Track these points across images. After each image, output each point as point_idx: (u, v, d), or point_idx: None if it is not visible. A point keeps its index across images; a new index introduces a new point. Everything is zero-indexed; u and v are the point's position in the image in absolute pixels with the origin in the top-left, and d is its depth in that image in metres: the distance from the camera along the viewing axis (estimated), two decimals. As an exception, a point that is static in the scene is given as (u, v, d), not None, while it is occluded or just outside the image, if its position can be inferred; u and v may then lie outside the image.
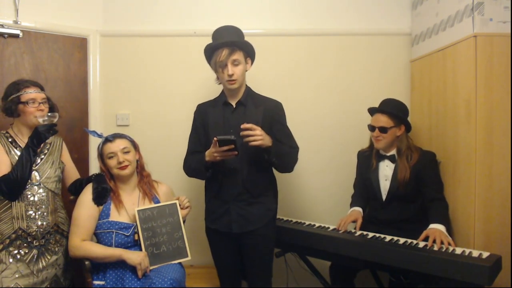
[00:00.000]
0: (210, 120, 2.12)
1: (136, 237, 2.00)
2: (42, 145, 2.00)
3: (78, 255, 1.94)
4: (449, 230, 2.19)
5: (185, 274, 2.03)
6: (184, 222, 2.14)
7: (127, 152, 2.06)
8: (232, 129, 2.05)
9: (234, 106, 2.11)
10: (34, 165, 1.96)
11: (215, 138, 1.90)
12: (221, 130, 2.06)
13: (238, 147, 1.91)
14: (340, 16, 2.81)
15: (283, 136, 2.11)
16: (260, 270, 2.12)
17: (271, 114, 2.10)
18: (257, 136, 1.92)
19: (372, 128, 2.30)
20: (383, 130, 2.25)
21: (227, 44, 2.03)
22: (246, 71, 2.12)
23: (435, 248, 1.94)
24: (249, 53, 2.12)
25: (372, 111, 2.36)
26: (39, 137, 1.90)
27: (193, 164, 2.11)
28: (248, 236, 2.07)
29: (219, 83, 2.18)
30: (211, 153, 1.96)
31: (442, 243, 1.98)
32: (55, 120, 1.95)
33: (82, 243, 1.94)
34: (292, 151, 2.12)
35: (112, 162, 2.03)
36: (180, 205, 2.11)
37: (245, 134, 1.92)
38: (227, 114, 2.11)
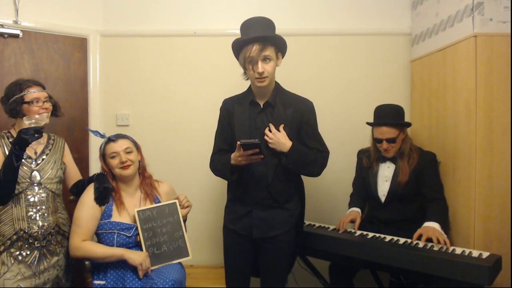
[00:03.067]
0: (236, 120, 2.01)
1: (138, 239, 1.99)
2: (38, 147, 1.99)
3: (79, 255, 1.94)
4: (447, 229, 2.19)
5: (185, 275, 2.03)
6: (185, 221, 2.14)
7: (130, 152, 2.06)
8: (258, 131, 1.97)
9: (262, 107, 2.00)
10: (35, 165, 1.97)
11: (238, 142, 1.82)
12: (246, 131, 1.97)
13: (263, 150, 1.84)
14: (340, 16, 2.81)
15: (311, 139, 2.02)
16: (275, 276, 2.04)
17: (300, 116, 1.99)
18: (269, 139, 1.90)
19: (379, 140, 2.26)
20: (392, 140, 2.23)
21: (258, 39, 1.87)
22: (277, 66, 1.98)
23: (435, 248, 1.95)
24: (281, 48, 1.97)
25: (373, 124, 2.31)
26: (22, 143, 1.84)
27: (219, 166, 2.03)
28: (268, 242, 1.98)
29: (246, 79, 2.05)
30: (236, 157, 1.88)
31: (438, 242, 1.98)
32: (43, 123, 1.91)
33: (83, 243, 1.93)
34: (318, 157, 1.99)
35: (114, 162, 2.03)
36: (180, 205, 2.10)
37: (267, 134, 1.91)
38: (253, 114, 2.00)
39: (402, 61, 2.81)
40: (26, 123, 1.86)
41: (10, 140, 1.98)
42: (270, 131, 1.92)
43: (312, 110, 2.06)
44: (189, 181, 2.76)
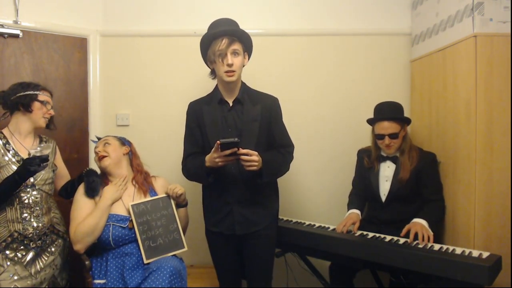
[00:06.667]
0: (206, 120, 2.02)
1: (130, 225, 2.01)
2: (32, 149, 1.99)
3: (82, 244, 1.93)
4: (441, 229, 2.23)
5: (185, 267, 2.02)
6: (186, 205, 2.17)
7: (107, 144, 2.13)
8: (230, 129, 2.00)
9: (231, 104, 2.04)
10: None
11: (218, 142, 1.80)
12: (219, 130, 1.99)
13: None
14: (340, 16, 2.81)
15: (279, 134, 2.07)
16: (261, 271, 2.08)
17: (268, 111, 2.04)
18: (254, 162, 1.85)
19: (381, 136, 2.27)
20: (394, 136, 2.24)
21: (227, 33, 1.96)
22: (243, 66, 2.05)
23: (435, 248, 1.95)
24: (247, 46, 2.06)
25: (373, 120, 2.32)
26: (26, 174, 1.83)
27: (193, 169, 2.02)
28: (250, 237, 2.02)
29: (213, 78, 2.11)
30: (212, 159, 1.87)
31: (423, 238, 2.01)
32: (48, 151, 1.95)
33: (76, 231, 1.94)
34: (285, 156, 2.06)
35: (95, 155, 2.14)
36: (172, 195, 2.11)
37: (242, 158, 1.84)
38: (224, 112, 2.03)
39: (402, 61, 2.81)
40: (31, 152, 1.89)
41: (3, 141, 1.96)
42: (243, 154, 1.84)
43: (278, 106, 2.11)
44: (189, 181, 2.76)
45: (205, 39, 2.03)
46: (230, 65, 1.93)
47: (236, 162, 1.90)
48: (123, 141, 2.21)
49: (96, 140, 2.22)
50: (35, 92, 1.99)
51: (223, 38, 1.94)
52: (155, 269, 1.86)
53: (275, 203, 2.14)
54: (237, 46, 1.96)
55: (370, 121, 2.34)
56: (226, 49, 1.93)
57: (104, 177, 2.13)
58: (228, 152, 1.81)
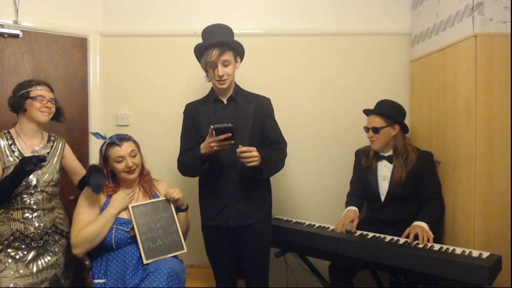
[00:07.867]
0: (202, 118, 2.11)
1: (132, 233, 2.00)
2: (38, 150, 2.00)
3: (81, 249, 1.93)
4: (441, 229, 2.23)
5: (184, 269, 2.02)
6: (186, 209, 2.18)
7: (134, 156, 2.09)
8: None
9: (226, 102, 2.12)
10: None
11: (212, 126, 1.87)
12: None
13: (235, 135, 1.89)
14: (340, 16, 2.81)
15: (272, 131, 2.14)
16: (257, 266, 2.12)
17: (262, 109, 2.12)
18: (254, 157, 1.91)
19: (366, 129, 2.33)
20: (375, 130, 2.27)
21: (218, 45, 2.03)
22: (236, 69, 2.14)
23: (435, 248, 1.95)
24: (239, 52, 2.13)
25: (366, 112, 2.39)
26: (24, 173, 1.83)
27: (188, 161, 2.08)
28: (245, 232, 2.07)
29: (209, 81, 2.18)
30: (207, 144, 1.93)
31: (423, 240, 2.02)
32: (47, 150, 1.94)
33: (78, 236, 1.93)
34: (280, 153, 2.11)
35: (120, 166, 2.05)
36: (169, 201, 2.12)
37: (243, 155, 1.90)
38: (218, 110, 2.11)
39: (402, 61, 2.80)
40: (29, 151, 1.87)
41: (9, 142, 1.97)
42: (242, 151, 1.91)
43: (271, 105, 2.19)
44: (190, 181, 2.75)
45: (197, 49, 2.13)
46: (220, 76, 2.04)
47: (230, 154, 1.95)
48: (137, 145, 2.15)
49: (104, 136, 2.10)
50: (27, 90, 1.98)
51: (213, 50, 2.03)
52: (153, 270, 1.86)
53: (268, 198, 2.19)
54: (227, 57, 2.04)
55: (366, 114, 2.39)
56: (216, 60, 2.03)
57: (114, 183, 2.11)
58: (222, 137, 1.87)
